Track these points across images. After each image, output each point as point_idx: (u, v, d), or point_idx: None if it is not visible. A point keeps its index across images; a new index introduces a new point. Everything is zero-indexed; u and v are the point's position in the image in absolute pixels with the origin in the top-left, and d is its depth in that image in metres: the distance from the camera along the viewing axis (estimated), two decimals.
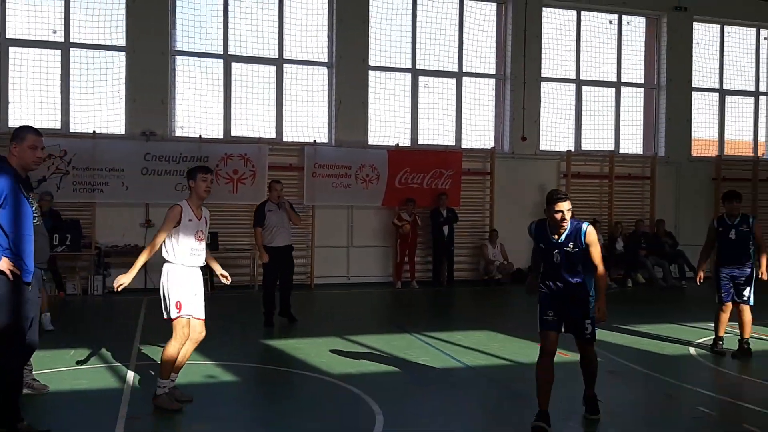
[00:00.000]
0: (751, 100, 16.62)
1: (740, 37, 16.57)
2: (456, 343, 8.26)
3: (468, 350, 7.93)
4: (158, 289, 5.65)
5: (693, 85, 15.90)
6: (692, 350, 8.10)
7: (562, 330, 5.35)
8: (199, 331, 5.68)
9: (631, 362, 7.50)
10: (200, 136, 13.02)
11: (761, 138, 16.76)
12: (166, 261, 5.57)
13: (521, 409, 5.70)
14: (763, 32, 16.68)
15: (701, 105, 16.17)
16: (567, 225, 5.18)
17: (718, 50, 16.26)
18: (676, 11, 15.59)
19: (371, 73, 14.09)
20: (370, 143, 13.99)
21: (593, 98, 15.59)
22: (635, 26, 15.91)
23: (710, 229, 7.93)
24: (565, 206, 5.12)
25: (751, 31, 16.57)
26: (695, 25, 15.91)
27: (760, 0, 16.17)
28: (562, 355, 7.64)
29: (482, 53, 14.91)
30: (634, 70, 15.93)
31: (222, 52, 13.34)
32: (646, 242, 14.51)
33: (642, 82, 15.95)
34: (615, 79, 15.62)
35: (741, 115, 16.62)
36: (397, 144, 14.11)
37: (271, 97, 13.68)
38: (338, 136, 13.78)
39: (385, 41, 14.26)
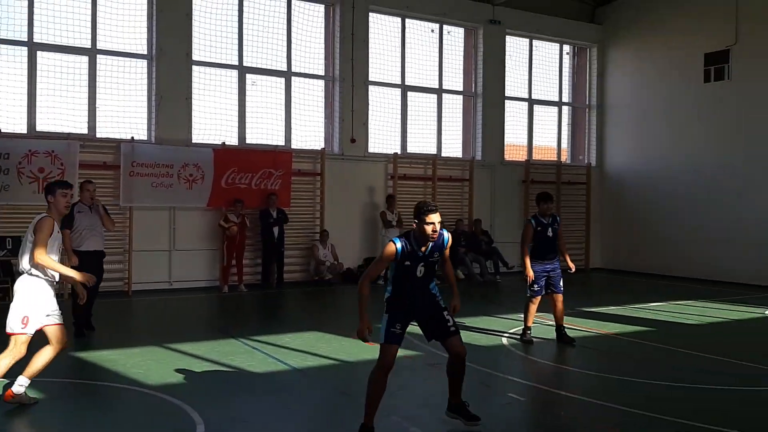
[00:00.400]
0: (555, 109, 18.19)
1: (546, 51, 18.08)
2: (284, 346, 8.18)
3: (296, 352, 7.88)
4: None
5: (506, 95, 17.08)
6: (504, 340, 8.67)
7: (427, 340, 5.37)
8: (63, 335, 5.68)
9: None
10: (0, 130, 11.77)
11: (563, 145, 18.41)
12: (27, 274, 5.51)
13: (348, 408, 5.75)
14: (566, 47, 18.33)
15: (513, 113, 17.42)
16: (436, 238, 5.04)
17: (528, 63, 17.61)
18: (491, 24, 16.66)
19: (195, 68, 13.57)
20: (194, 141, 13.47)
21: (418, 103, 16.21)
22: (455, 36, 16.78)
23: (528, 228, 8.44)
24: (436, 218, 4.99)
25: (556, 46, 18.14)
26: (508, 38, 17.11)
27: (563, 18, 17.74)
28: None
29: (311, 54, 14.94)
30: (455, 77, 16.80)
31: (27, 40, 12.17)
32: (465, 240, 15.35)
33: (461, 89, 16.86)
34: (437, 86, 16.36)
35: (547, 123, 18.14)
36: (224, 143, 13.72)
37: (83, 89, 12.70)
38: (159, 133, 13.12)
39: (211, 36, 13.81)
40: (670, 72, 16.72)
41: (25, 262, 5.46)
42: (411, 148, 16.02)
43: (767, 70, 14.65)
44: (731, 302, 12.37)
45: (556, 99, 18.19)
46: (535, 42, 17.72)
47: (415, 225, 5.07)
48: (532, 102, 17.66)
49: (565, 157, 18.39)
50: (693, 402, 6.33)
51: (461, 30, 16.82)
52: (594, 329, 9.54)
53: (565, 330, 8.59)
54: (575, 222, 17.87)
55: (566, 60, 18.48)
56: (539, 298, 8.50)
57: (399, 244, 5.05)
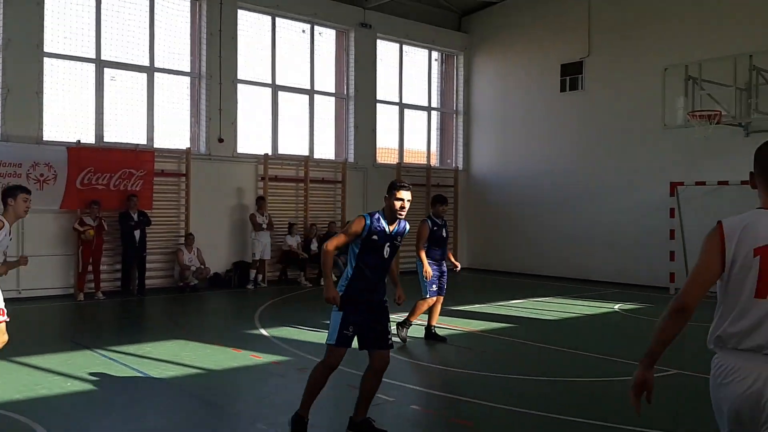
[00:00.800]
0: (425, 113, 18.62)
1: (416, 56, 18.47)
2: (144, 356, 7.72)
3: (157, 362, 7.46)
4: None
5: (378, 98, 17.26)
6: None
7: (359, 348, 5.16)
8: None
9: (321, 358, 7.75)
10: None
11: (433, 148, 18.88)
12: None
13: (214, 419, 5.49)
14: (435, 54, 18.82)
15: (385, 116, 17.64)
16: (403, 216, 5.06)
17: (398, 67, 17.90)
18: (362, 27, 16.78)
19: (47, 60, 12.61)
20: (45, 139, 12.50)
21: (289, 103, 15.99)
22: (327, 37, 16.73)
23: (425, 227, 8.49)
24: (406, 196, 5.02)
25: (425, 52, 18.57)
26: (379, 42, 17.31)
27: (432, 25, 18.20)
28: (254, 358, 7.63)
29: (176, 49, 14.33)
30: (327, 79, 16.75)
31: None
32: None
33: (333, 91, 16.83)
34: (309, 87, 16.23)
35: (417, 127, 18.52)
36: (79, 141, 12.83)
37: None
38: (5, 129, 12.05)
39: (66, 27, 12.88)
40: (530, 81, 17.61)
41: None
42: (282, 150, 15.77)
43: (616, 81, 15.78)
44: (587, 298, 13.18)
45: (426, 104, 18.62)
46: (405, 47, 18.04)
47: (385, 200, 5.07)
48: (403, 106, 17.96)
49: (434, 160, 18.86)
50: (549, 394, 6.63)
51: (333, 32, 16.81)
52: (461, 327, 9.81)
53: (435, 329, 8.78)
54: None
55: (435, 66, 18.97)
56: (435, 299, 8.62)
57: (367, 219, 5.00)
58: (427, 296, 8.54)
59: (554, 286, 14.77)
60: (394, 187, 5.08)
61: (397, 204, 5.01)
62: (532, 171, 17.38)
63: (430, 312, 8.79)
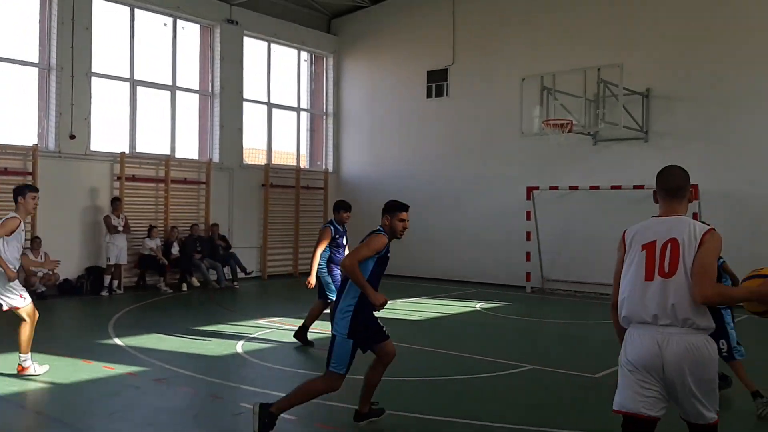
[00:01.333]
0: (294, 114, 18.42)
1: (285, 56, 18.23)
2: None
3: None
4: None
5: (244, 96, 16.84)
6: (239, 348, 8.42)
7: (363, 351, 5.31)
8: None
9: (180, 367, 7.41)
10: None
11: (302, 150, 18.71)
12: None
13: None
14: (304, 54, 18.67)
15: (252, 115, 17.24)
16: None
17: (266, 66, 17.57)
18: (228, 23, 16.30)
19: None
20: None
21: (149, 100, 15.22)
22: (190, 32, 16.10)
23: (328, 231, 8.36)
24: (407, 215, 5.37)
25: (294, 52, 18.37)
26: (246, 39, 16.90)
27: (300, 25, 18.03)
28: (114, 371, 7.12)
29: (23, 38, 13.20)
30: (190, 75, 16.11)
31: None
32: (201, 245, 14.77)
33: (197, 88, 16.22)
34: (171, 83, 15.53)
35: (286, 127, 18.27)
36: None
37: None
38: None
39: None
40: (399, 85, 17.92)
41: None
42: (141, 148, 14.97)
43: (478, 89, 16.40)
44: (451, 298, 13.57)
45: (295, 104, 18.41)
46: (273, 46, 17.75)
47: (385, 219, 5.32)
48: (271, 105, 17.65)
49: (304, 162, 18.70)
50: (415, 394, 6.71)
51: (197, 27, 16.21)
52: (326, 330, 9.72)
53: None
54: (313, 226, 18.23)
55: (304, 67, 18.82)
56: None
57: (385, 236, 5.22)
58: (329, 300, 8.26)
59: (421, 287, 15.08)
60: (397, 208, 5.34)
61: (400, 225, 5.33)
62: (401, 174, 17.69)
63: (311, 314, 8.62)
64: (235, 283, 14.95)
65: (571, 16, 15.02)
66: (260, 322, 10.40)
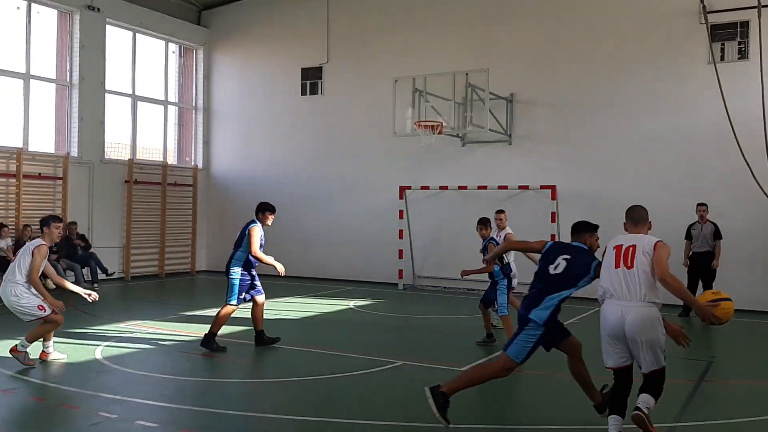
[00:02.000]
0: (162, 108, 17.65)
1: (152, 47, 17.42)
2: None
3: None
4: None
5: (107, 88, 15.92)
6: (98, 354, 7.96)
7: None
8: None
9: (32, 376, 6.90)
10: None
11: (170, 145, 17.97)
12: (16, 283, 7.30)
13: None
14: (172, 46, 17.93)
15: (116, 108, 16.33)
16: None
17: (131, 56, 16.70)
18: (89, 10, 15.34)
19: None
20: None
21: None
22: (47, 17, 15.00)
23: (256, 233, 8.45)
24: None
25: (162, 44, 17.60)
26: (109, 28, 15.98)
27: (169, 16, 17.31)
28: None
29: None
30: (47, 64, 15.01)
31: None
32: (57, 245, 13.72)
33: (54, 77, 15.15)
34: (24, 71, 14.40)
35: (152, 121, 17.47)
36: None
37: None
38: None
39: None
40: (272, 82, 17.66)
41: (17, 274, 7.31)
42: None
43: (353, 88, 16.50)
44: (325, 296, 13.56)
45: (163, 98, 17.66)
46: (139, 36, 16.91)
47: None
48: (136, 98, 16.80)
49: (171, 158, 17.96)
50: (285, 395, 6.63)
51: (54, 12, 15.12)
52: (198, 333, 9.41)
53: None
54: (181, 224, 17.60)
55: (173, 59, 18.09)
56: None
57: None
58: (234, 302, 8.37)
59: (295, 286, 14.95)
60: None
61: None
62: (273, 171, 17.44)
63: (257, 315, 8.58)
64: (95, 285, 14.09)
65: (442, 21, 15.46)
66: (122, 326, 9.88)
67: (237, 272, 8.37)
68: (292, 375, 7.29)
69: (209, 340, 8.28)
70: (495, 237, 9.63)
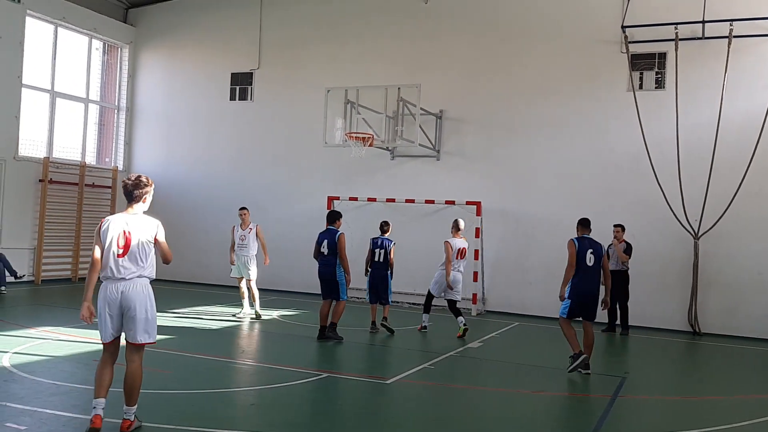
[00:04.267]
0: (82, 106, 16.97)
1: (74, 43, 16.74)
2: None
3: None
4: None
5: (23, 82, 15.17)
6: (6, 362, 7.52)
7: None
8: None
9: None
10: None
11: (89, 145, 17.28)
12: (144, 276, 5.46)
13: None
14: (96, 43, 17.29)
15: (32, 104, 15.57)
16: None
17: (52, 51, 16.00)
18: (9, 1, 14.61)
19: None
20: None
21: None
22: None
23: (345, 240, 10.01)
24: None
25: (85, 40, 16.95)
26: (29, 20, 15.27)
27: (94, 11, 16.70)
28: None
29: None
30: None
31: None
32: None
33: None
34: None
35: (71, 119, 16.76)
36: None
37: None
38: None
39: None
40: (200, 85, 17.30)
41: (148, 265, 5.46)
42: None
43: (284, 96, 16.37)
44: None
45: (84, 95, 16.98)
46: (61, 31, 16.23)
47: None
48: (55, 94, 16.09)
49: (90, 157, 17.27)
50: (206, 407, 6.45)
51: None
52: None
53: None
54: (94, 228, 16.90)
55: (96, 56, 17.45)
56: None
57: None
58: None
59: (217, 295, 14.62)
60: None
61: None
62: (199, 176, 17.06)
63: (337, 311, 10.05)
64: (2, 288, 13.35)
65: (375, 33, 15.60)
66: (31, 332, 9.39)
67: (342, 273, 9.98)
68: (213, 387, 7.11)
69: (333, 329, 9.83)
70: None
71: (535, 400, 7.43)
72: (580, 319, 8.56)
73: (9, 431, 5.24)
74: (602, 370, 8.86)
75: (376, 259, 10.93)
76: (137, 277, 5.37)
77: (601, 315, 12.43)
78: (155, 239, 5.48)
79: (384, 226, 11.22)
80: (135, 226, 5.42)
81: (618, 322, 12.24)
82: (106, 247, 5.35)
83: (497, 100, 14.50)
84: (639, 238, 12.67)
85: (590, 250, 8.38)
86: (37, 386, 6.68)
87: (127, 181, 5.52)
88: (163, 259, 5.56)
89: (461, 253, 11.07)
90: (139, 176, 5.59)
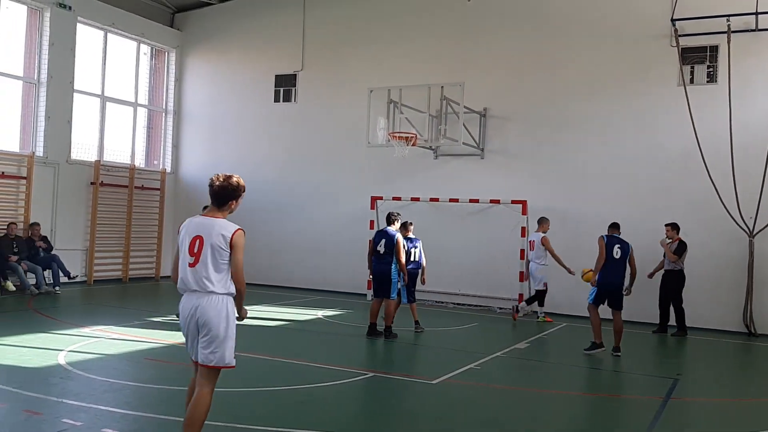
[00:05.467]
0: (131, 110, 17.35)
1: (123, 48, 17.13)
2: None
3: None
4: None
5: (75, 87, 15.60)
6: (62, 359, 7.73)
7: None
8: None
9: None
10: None
11: (138, 148, 17.65)
12: (222, 294, 4.74)
13: None
14: (144, 48, 17.67)
15: (84, 108, 16.00)
16: None
17: (102, 56, 16.41)
18: (60, 8, 15.04)
19: None
20: None
21: None
22: (16, 13, 14.65)
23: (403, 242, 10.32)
24: None
25: (133, 45, 17.33)
26: (80, 26, 15.69)
27: (142, 17, 17.07)
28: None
29: None
30: (14, 61, 14.65)
31: None
32: (19, 246, 13.44)
33: (21, 74, 14.79)
34: None
35: (121, 123, 17.16)
36: None
37: None
38: None
39: None
40: (244, 87, 17.52)
41: (224, 282, 4.77)
42: None
43: (327, 97, 16.45)
44: (292, 306, 13.41)
45: (132, 99, 17.37)
46: (111, 36, 16.63)
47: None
48: (105, 99, 16.50)
49: (139, 160, 17.66)
50: (256, 405, 6.51)
51: (24, 8, 14.78)
52: (165, 340, 9.22)
53: None
54: (147, 229, 17.30)
55: (144, 61, 17.83)
56: None
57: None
58: None
59: (262, 294, 14.77)
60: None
61: None
62: (244, 178, 17.08)
63: (388, 312, 10.22)
64: (57, 288, 13.74)
65: (418, 33, 15.54)
66: (85, 330, 9.63)
67: (396, 272, 10.15)
68: (259, 385, 7.17)
69: (389, 331, 10.09)
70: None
71: (584, 401, 7.28)
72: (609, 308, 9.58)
73: (66, 426, 5.38)
74: (654, 371, 8.65)
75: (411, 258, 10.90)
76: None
77: (652, 315, 12.21)
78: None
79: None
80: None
81: (672, 323, 11.93)
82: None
83: (543, 97, 14.29)
84: (691, 237, 12.31)
85: (617, 245, 9.52)
86: (91, 383, 6.84)
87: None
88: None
89: (531, 245, 12.86)
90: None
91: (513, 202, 13.97)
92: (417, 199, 14.83)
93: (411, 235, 11.13)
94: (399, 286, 10.40)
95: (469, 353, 9.44)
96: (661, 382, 8.14)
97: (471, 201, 14.29)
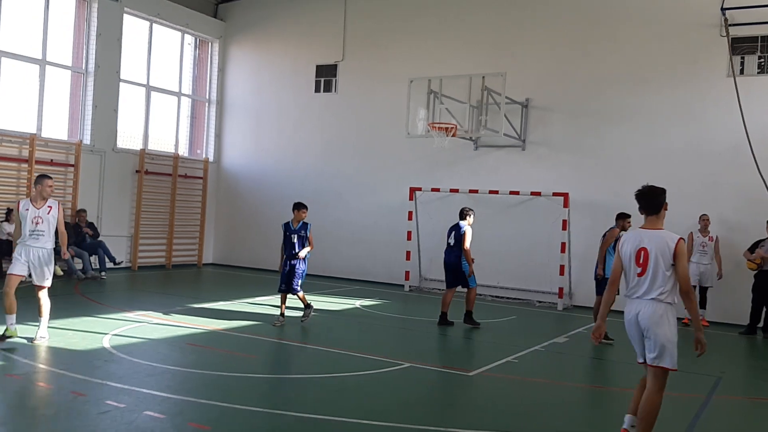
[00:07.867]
0: (175, 99, 17.65)
1: (168, 38, 17.41)
2: None
3: None
4: None
5: (121, 77, 15.92)
6: (106, 343, 7.94)
7: None
8: None
9: (40, 362, 6.88)
10: None
11: (181, 137, 17.96)
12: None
13: None
14: (188, 38, 17.93)
15: (129, 97, 16.33)
16: None
17: (147, 46, 16.71)
18: (108, 0, 15.37)
19: None
20: None
21: (14, 74, 14.03)
22: (65, 4, 15.01)
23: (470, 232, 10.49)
24: None
25: (177, 35, 17.60)
26: (126, 17, 15.99)
27: (186, 8, 17.31)
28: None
29: None
30: (63, 50, 15.02)
31: None
32: (67, 232, 13.79)
33: (70, 64, 15.16)
34: (40, 57, 14.41)
35: (165, 112, 17.46)
36: None
37: None
38: None
39: None
40: (285, 77, 17.63)
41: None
42: (2, 124, 13.79)
43: (367, 87, 16.45)
44: (330, 295, 13.51)
45: (176, 89, 17.65)
46: (156, 27, 16.92)
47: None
48: (150, 89, 16.80)
49: (183, 149, 17.96)
50: (289, 391, 6.59)
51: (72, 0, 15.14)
52: (204, 326, 9.40)
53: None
54: (190, 216, 17.61)
55: (188, 51, 18.09)
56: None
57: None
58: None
59: (305, 283, 14.88)
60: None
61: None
62: (284, 167, 17.42)
63: (469, 299, 10.65)
64: (103, 273, 14.12)
65: (459, 22, 15.41)
66: (129, 315, 9.87)
67: (465, 264, 10.43)
68: (297, 372, 7.25)
69: (470, 317, 10.59)
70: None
71: (624, 397, 7.17)
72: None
73: (109, 408, 5.53)
74: (696, 369, 8.47)
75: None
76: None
77: (735, 316, 11.91)
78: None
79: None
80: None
81: (760, 324, 11.54)
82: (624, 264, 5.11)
83: (586, 88, 14.04)
84: (737, 233, 11.99)
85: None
86: (134, 367, 7.02)
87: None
88: None
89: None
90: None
91: (554, 194, 13.79)
92: (456, 191, 14.75)
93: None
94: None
95: (508, 346, 9.38)
96: (702, 380, 7.97)
97: (511, 193, 14.15)
